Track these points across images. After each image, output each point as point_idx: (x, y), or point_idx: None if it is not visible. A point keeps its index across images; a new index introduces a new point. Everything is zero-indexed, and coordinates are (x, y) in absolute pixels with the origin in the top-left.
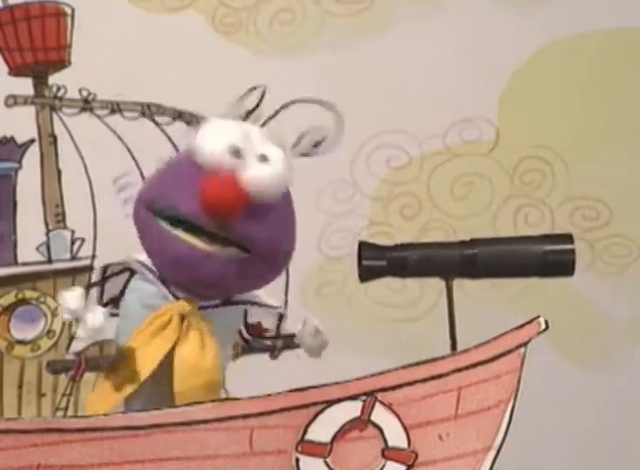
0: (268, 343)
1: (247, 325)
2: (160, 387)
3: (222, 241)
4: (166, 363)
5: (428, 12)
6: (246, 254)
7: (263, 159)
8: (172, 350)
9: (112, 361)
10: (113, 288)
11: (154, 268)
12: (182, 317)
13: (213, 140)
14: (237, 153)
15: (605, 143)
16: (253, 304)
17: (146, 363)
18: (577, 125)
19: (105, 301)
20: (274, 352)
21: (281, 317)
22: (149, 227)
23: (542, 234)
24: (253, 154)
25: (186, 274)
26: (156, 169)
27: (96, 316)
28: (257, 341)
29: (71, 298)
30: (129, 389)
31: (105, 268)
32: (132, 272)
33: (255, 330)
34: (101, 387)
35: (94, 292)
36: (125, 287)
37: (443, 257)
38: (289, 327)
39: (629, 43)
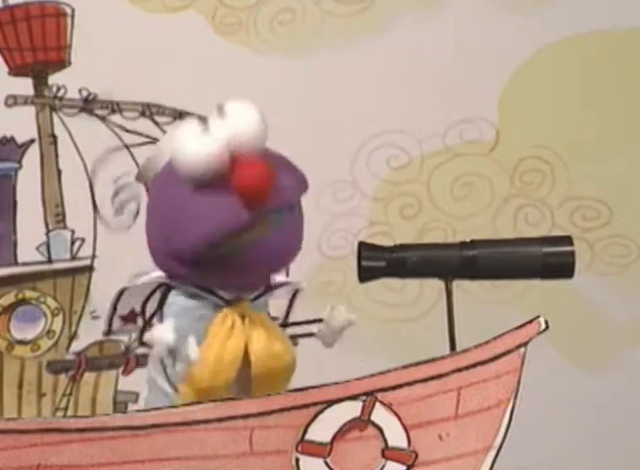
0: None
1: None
2: (240, 388)
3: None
4: (244, 366)
5: (428, 12)
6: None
7: (221, 113)
8: (245, 351)
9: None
10: (134, 300)
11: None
12: (242, 317)
13: (187, 145)
14: (205, 130)
15: (605, 143)
16: (281, 285)
17: (226, 372)
18: (577, 125)
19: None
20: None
21: (294, 294)
22: (191, 273)
23: (542, 236)
24: (214, 118)
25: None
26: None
27: (192, 346)
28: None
29: (166, 331)
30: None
31: (122, 290)
32: (166, 288)
33: None
34: None
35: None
36: (162, 304)
37: (443, 258)
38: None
39: (630, 43)
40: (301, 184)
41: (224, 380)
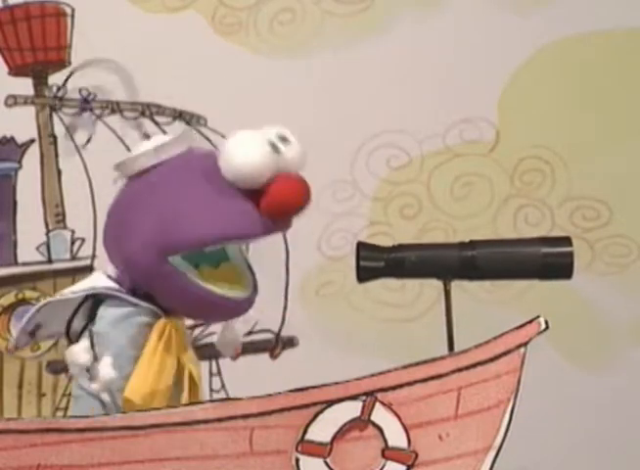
0: None
1: None
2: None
3: None
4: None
5: (428, 12)
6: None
7: (285, 140)
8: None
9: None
10: (77, 321)
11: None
12: (176, 330)
13: (252, 154)
14: (276, 148)
15: (605, 143)
16: None
17: (166, 380)
18: (577, 125)
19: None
20: (274, 352)
21: None
22: (170, 279)
23: (541, 236)
24: (280, 142)
25: (221, 319)
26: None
27: (106, 368)
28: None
29: (80, 352)
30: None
31: (41, 307)
32: (95, 300)
33: None
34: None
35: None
36: (93, 315)
37: (441, 258)
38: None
39: (629, 43)
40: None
41: (164, 388)
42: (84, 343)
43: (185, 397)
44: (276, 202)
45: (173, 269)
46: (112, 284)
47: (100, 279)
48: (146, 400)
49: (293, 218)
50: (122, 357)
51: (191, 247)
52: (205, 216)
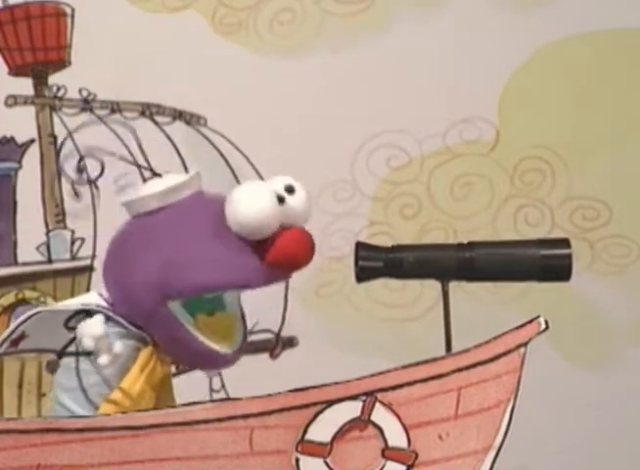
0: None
1: None
2: None
3: None
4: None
5: (428, 12)
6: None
7: (291, 191)
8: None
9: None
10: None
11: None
12: (161, 361)
13: (260, 205)
14: (282, 199)
15: (605, 143)
16: None
17: (147, 406)
18: (577, 125)
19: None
20: (274, 352)
21: None
22: (165, 323)
23: (539, 238)
24: (284, 193)
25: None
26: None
27: (118, 342)
28: None
29: (94, 324)
30: None
31: (30, 316)
32: (87, 315)
33: None
34: None
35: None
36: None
37: (440, 259)
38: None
39: (629, 43)
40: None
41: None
42: (98, 317)
43: None
44: (281, 255)
45: (171, 314)
46: (104, 304)
47: (93, 297)
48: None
49: (301, 266)
50: (102, 375)
51: (193, 293)
52: (209, 263)
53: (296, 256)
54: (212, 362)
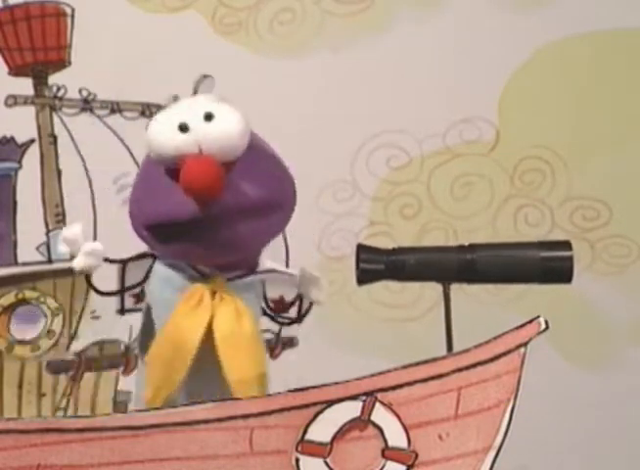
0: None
1: (266, 300)
2: (208, 365)
3: None
4: (208, 341)
5: (428, 12)
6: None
7: (208, 118)
8: (210, 327)
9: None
10: (136, 274)
11: None
12: (213, 293)
13: (160, 132)
14: (184, 127)
15: (605, 143)
16: (273, 272)
17: (187, 345)
18: (577, 125)
19: (127, 286)
20: (274, 352)
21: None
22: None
23: (540, 240)
24: (200, 119)
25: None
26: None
27: (91, 243)
28: (281, 317)
29: (69, 229)
30: (178, 375)
31: (124, 266)
32: (154, 257)
33: (278, 305)
34: (149, 379)
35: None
36: (149, 272)
37: (441, 261)
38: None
39: (629, 43)
40: (272, 193)
41: (184, 352)
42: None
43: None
44: (184, 185)
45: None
46: None
47: None
48: (165, 360)
49: (214, 194)
50: (161, 320)
51: (138, 232)
52: (145, 201)
53: (190, 184)
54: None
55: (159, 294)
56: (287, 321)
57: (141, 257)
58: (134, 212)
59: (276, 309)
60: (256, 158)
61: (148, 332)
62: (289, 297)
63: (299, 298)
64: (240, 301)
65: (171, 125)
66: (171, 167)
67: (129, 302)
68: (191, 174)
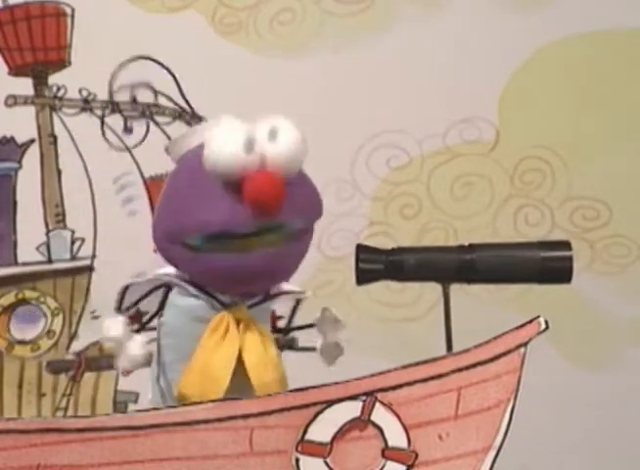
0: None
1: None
2: (237, 393)
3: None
4: (236, 370)
5: (428, 12)
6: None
7: (273, 135)
8: (239, 356)
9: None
10: (148, 306)
11: (192, 281)
12: (237, 322)
13: (226, 145)
14: (250, 145)
15: (605, 143)
16: (281, 293)
17: (219, 379)
18: (577, 125)
19: (144, 320)
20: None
21: (297, 302)
22: (182, 259)
23: (540, 240)
24: (264, 135)
25: (233, 284)
26: (165, 198)
27: (136, 345)
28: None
29: (114, 324)
30: None
31: (126, 288)
32: (167, 288)
33: (272, 320)
34: None
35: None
36: (163, 303)
37: (441, 261)
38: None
39: (629, 43)
40: (314, 209)
41: (216, 386)
42: (118, 318)
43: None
44: (250, 196)
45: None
46: (174, 272)
47: (169, 267)
48: (198, 394)
49: (277, 208)
50: (179, 351)
51: (180, 235)
52: (193, 211)
53: (256, 196)
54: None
55: (178, 325)
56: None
57: (154, 289)
58: (168, 223)
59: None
60: (303, 177)
61: (163, 362)
62: (279, 311)
63: (292, 311)
64: (262, 327)
65: (235, 140)
66: (229, 180)
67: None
68: (258, 187)
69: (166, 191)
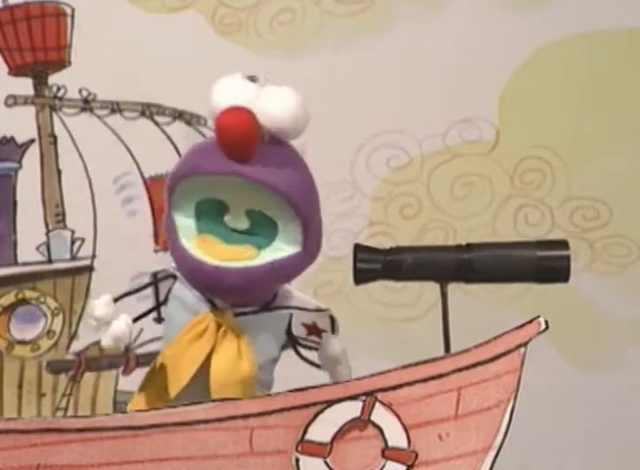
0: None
1: (289, 328)
2: (198, 397)
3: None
4: (203, 373)
5: (428, 12)
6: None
7: (270, 89)
8: (209, 359)
9: (147, 373)
10: (161, 294)
11: None
12: (218, 325)
13: (223, 87)
14: (253, 78)
15: (605, 143)
16: (295, 308)
17: (181, 374)
18: (577, 125)
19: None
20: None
21: (332, 319)
22: (170, 236)
23: (537, 240)
24: (262, 87)
25: (202, 287)
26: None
27: (120, 323)
28: (304, 340)
29: (99, 305)
30: (164, 399)
31: (155, 274)
32: (175, 279)
33: (312, 331)
34: (138, 400)
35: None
36: (169, 293)
37: (438, 260)
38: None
39: (629, 43)
40: (293, 191)
41: (177, 381)
42: (105, 297)
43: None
44: (218, 134)
45: (172, 223)
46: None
47: None
48: (158, 384)
49: (246, 150)
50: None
51: (172, 183)
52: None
53: (224, 132)
54: (202, 275)
55: (177, 316)
56: (314, 345)
57: (161, 279)
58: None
59: (309, 333)
60: (295, 160)
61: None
62: (321, 324)
63: (332, 327)
64: (244, 339)
65: (239, 80)
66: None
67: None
68: (226, 118)
69: None
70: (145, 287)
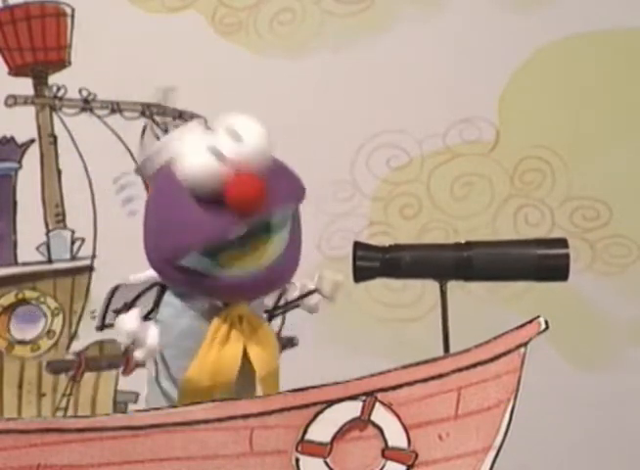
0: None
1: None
2: (246, 392)
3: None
4: (244, 367)
5: (428, 12)
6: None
7: (237, 137)
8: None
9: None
10: (144, 303)
11: None
12: (240, 318)
13: (197, 162)
14: (220, 155)
15: (605, 143)
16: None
17: (227, 375)
18: (577, 125)
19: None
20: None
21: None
22: (182, 281)
23: (537, 238)
24: (229, 141)
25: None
26: (152, 223)
27: (153, 335)
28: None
29: (129, 319)
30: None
31: (115, 288)
32: (162, 287)
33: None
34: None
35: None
36: (159, 301)
37: (438, 258)
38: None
39: (629, 43)
40: (295, 192)
41: (224, 382)
42: (133, 312)
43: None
44: (233, 201)
45: (184, 268)
46: None
47: None
48: (210, 385)
49: (260, 204)
50: (179, 348)
51: (178, 256)
52: (185, 225)
53: (239, 203)
54: (242, 288)
55: (177, 322)
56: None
57: (148, 288)
58: (162, 249)
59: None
60: (275, 164)
61: (163, 359)
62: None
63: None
64: (262, 320)
65: (204, 153)
66: (207, 192)
67: (110, 317)
68: (239, 190)
69: (150, 216)
70: (149, 288)
